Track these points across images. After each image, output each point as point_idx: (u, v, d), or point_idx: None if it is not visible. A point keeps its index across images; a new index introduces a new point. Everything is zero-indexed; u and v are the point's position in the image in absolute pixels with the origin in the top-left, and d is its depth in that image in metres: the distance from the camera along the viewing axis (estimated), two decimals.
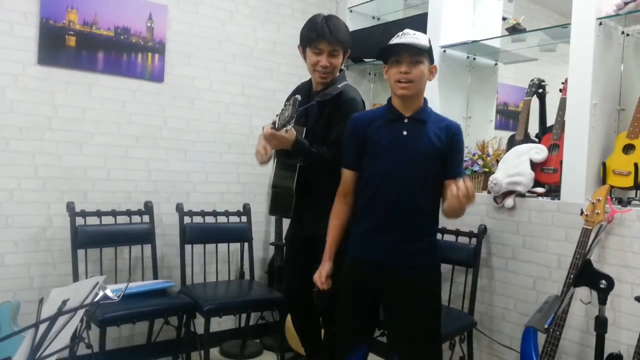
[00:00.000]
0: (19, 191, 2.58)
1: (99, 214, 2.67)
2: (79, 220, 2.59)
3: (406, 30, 1.83)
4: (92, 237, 2.59)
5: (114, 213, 2.72)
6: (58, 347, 1.07)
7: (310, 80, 2.29)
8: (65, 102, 2.70)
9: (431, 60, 1.84)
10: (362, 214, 1.91)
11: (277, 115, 1.97)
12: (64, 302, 0.99)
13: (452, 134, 1.86)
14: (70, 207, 2.59)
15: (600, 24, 2.19)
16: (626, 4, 2.08)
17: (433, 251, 1.90)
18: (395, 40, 1.81)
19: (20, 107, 2.57)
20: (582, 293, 2.04)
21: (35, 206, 2.63)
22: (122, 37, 2.85)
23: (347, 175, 1.95)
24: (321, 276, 1.96)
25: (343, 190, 1.97)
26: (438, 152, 1.83)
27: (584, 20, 2.21)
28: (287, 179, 2.15)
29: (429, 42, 1.83)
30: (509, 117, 4.84)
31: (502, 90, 4.32)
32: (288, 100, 2.10)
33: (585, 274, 1.55)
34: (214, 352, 3.04)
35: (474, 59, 2.97)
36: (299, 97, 1.81)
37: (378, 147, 1.86)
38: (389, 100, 1.91)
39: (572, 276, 1.96)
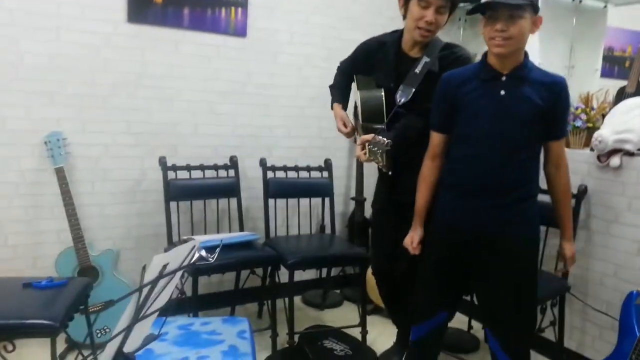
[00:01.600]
0: (115, 146, 2.72)
1: (188, 168, 2.77)
2: (171, 174, 2.70)
3: None
4: (182, 190, 2.70)
5: (202, 167, 2.80)
6: (159, 305, 1.12)
7: (396, 34, 2.12)
8: (154, 59, 2.76)
9: (535, 11, 1.66)
10: (454, 178, 1.82)
11: (360, 109, 1.96)
12: (164, 267, 1.03)
13: (557, 91, 1.69)
14: (162, 161, 2.69)
15: None
16: None
17: (532, 217, 1.79)
18: None
19: (113, 65, 2.66)
20: None
21: (130, 160, 2.77)
22: None
23: (436, 138, 1.87)
24: (413, 241, 1.95)
25: (432, 153, 1.89)
26: (541, 111, 1.68)
27: None
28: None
29: None
30: (614, 64, 4.40)
31: (607, 33, 3.90)
32: (360, 92, 2.02)
33: None
34: (297, 300, 3.15)
35: (580, 1, 2.67)
36: (390, 144, 1.70)
37: (473, 108, 1.74)
38: (484, 56, 1.76)
39: None
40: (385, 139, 1.72)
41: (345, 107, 2.24)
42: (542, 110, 1.68)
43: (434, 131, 1.88)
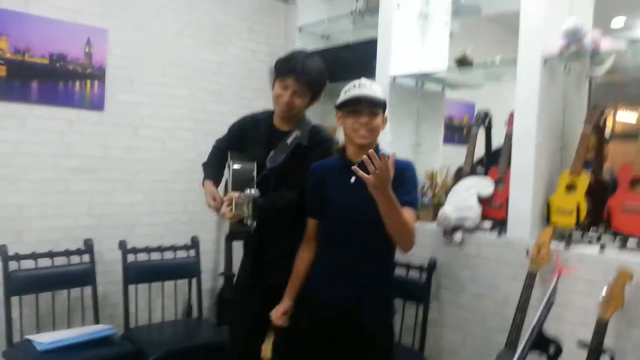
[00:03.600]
0: None
1: (34, 256, 2.51)
2: (13, 265, 2.44)
3: (362, 81, 1.85)
4: (27, 282, 2.45)
5: (51, 254, 2.56)
6: None
7: (268, 112, 2.20)
8: None
9: (384, 110, 1.88)
10: (319, 258, 1.96)
11: (231, 178, 1.98)
12: None
13: (401, 174, 1.82)
14: (2, 250, 2.42)
15: (545, 62, 2.22)
16: (568, 45, 2.11)
17: (387, 295, 1.92)
18: (354, 91, 1.82)
19: None
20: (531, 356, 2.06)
21: None
22: (58, 64, 2.69)
23: (310, 222, 1.99)
24: (277, 312, 1.97)
25: (307, 236, 2.00)
26: None
27: (530, 58, 2.23)
28: (243, 224, 2.05)
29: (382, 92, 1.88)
30: (454, 132, 4.95)
31: (447, 105, 4.39)
32: (234, 162, 2.06)
33: (536, 339, 1.58)
34: None
35: (422, 86, 2.97)
36: (257, 193, 1.82)
37: (331, 195, 1.89)
38: (343, 148, 1.92)
39: (514, 336, 1.99)
40: (252, 190, 1.83)
41: (217, 184, 2.23)
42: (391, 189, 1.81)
43: (309, 216, 1.99)
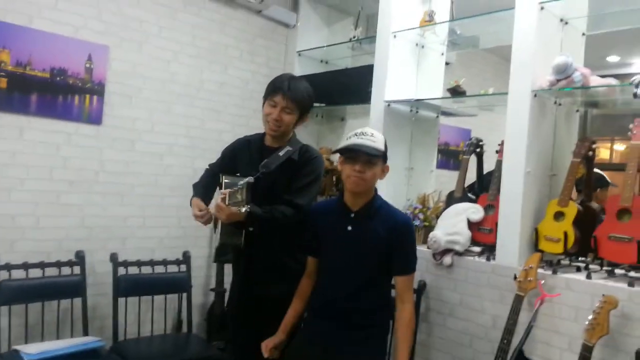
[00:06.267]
0: None
1: (25, 266, 2.52)
2: (3, 274, 2.43)
3: (366, 130, 1.89)
4: (17, 292, 2.44)
5: (42, 265, 2.57)
6: None
7: (260, 134, 2.28)
8: None
9: (385, 160, 1.90)
10: (312, 298, 2.00)
11: (223, 188, 1.97)
12: None
13: (401, 230, 1.88)
14: None
15: (535, 95, 2.29)
16: (558, 80, 2.19)
17: (376, 339, 1.93)
18: (354, 139, 1.85)
19: None
20: None
21: None
22: (58, 78, 2.73)
23: (309, 259, 2.03)
24: (268, 346, 1.96)
25: (307, 271, 2.04)
26: (384, 246, 1.86)
27: (521, 91, 2.30)
28: (233, 235, 2.10)
29: (385, 143, 1.90)
30: (449, 157, 5.02)
31: (443, 130, 4.47)
32: (225, 177, 2.06)
33: None
34: None
35: (417, 112, 3.04)
36: (252, 179, 1.84)
37: (326, 241, 1.93)
38: (341, 193, 1.96)
39: (500, 358, 1.99)
40: (246, 179, 1.84)
41: (206, 204, 2.25)
42: (386, 245, 1.85)
43: (307, 253, 2.03)
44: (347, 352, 1.85)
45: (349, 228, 1.87)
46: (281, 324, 2.01)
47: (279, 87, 2.10)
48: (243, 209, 1.85)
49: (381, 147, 1.86)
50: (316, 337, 1.89)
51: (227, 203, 1.86)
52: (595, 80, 2.23)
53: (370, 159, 1.83)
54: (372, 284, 1.85)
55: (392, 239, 1.84)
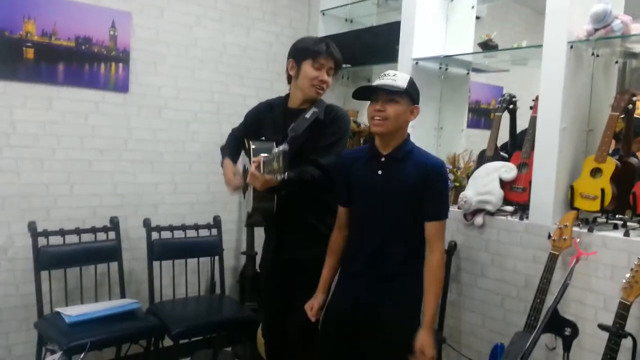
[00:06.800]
0: None
1: (62, 232, 2.59)
2: (42, 241, 2.51)
3: (388, 72, 1.83)
4: (55, 258, 2.52)
5: (78, 231, 2.63)
6: None
7: (282, 97, 2.25)
8: (24, 117, 2.59)
9: (412, 101, 1.83)
10: (345, 251, 1.99)
11: (251, 154, 1.96)
12: None
13: (433, 174, 1.82)
14: (31, 226, 2.50)
15: (572, 47, 2.18)
16: (596, 30, 2.07)
17: (410, 290, 1.88)
18: (376, 81, 1.81)
19: None
20: (548, 338, 2.06)
21: None
22: (83, 47, 2.73)
23: (340, 209, 2.01)
24: (312, 308, 1.98)
25: (338, 223, 2.02)
26: (415, 191, 1.80)
27: (556, 43, 2.19)
28: (266, 200, 2.09)
29: (410, 82, 1.82)
30: (481, 116, 4.88)
31: (474, 88, 4.32)
32: (253, 143, 2.05)
33: (551, 320, 1.57)
34: None
35: (446, 69, 2.94)
36: (286, 147, 1.78)
37: (357, 187, 1.90)
38: (372, 138, 1.91)
39: (533, 318, 1.96)
40: (281, 146, 1.79)
41: (235, 164, 2.26)
42: (417, 190, 1.80)
43: (338, 203, 2.00)
44: (379, 306, 1.84)
45: (380, 172, 1.82)
46: (319, 284, 2.01)
47: (326, 49, 2.09)
48: (279, 177, 1.79)
49: (402, 84, 1.78)
50: (347, 294, 1.89)
51: (262, 171, 1.79)
52: (636, 29, 2.10)
53: (391, 97, 1.77)
54: (403, 231, 1.82)
55: (423, 182, 1.78)
